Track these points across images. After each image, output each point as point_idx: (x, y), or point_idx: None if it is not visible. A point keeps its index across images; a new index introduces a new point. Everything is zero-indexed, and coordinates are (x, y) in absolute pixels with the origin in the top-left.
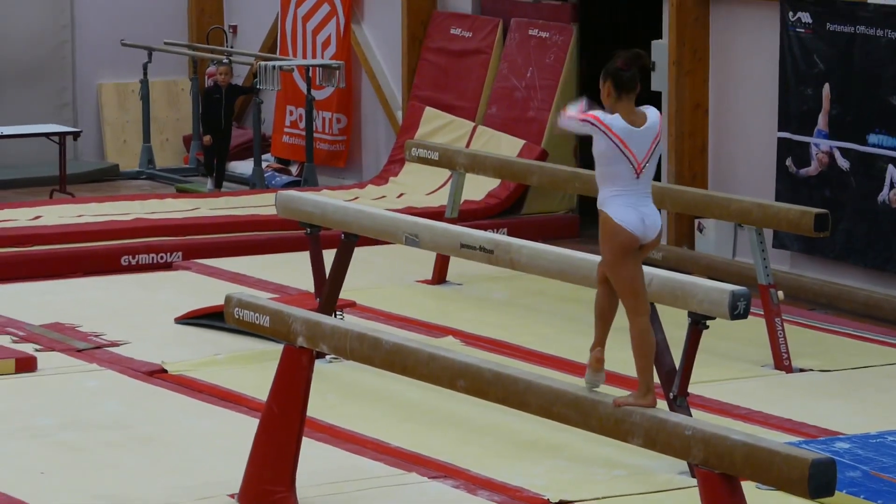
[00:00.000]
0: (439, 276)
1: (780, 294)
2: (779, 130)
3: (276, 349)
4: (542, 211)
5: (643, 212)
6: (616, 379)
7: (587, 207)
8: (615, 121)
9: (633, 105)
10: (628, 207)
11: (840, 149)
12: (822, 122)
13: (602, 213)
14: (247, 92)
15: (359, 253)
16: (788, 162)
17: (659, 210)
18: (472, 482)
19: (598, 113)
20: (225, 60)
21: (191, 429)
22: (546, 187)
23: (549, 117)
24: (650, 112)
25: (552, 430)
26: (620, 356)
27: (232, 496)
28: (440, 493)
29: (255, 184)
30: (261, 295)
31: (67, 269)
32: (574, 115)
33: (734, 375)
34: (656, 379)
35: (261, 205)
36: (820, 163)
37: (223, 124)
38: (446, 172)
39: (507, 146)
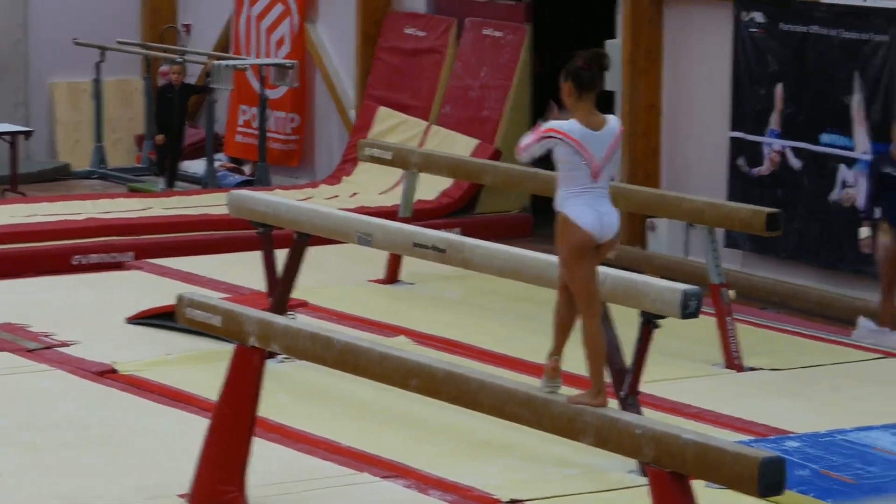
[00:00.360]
0: (392, 276)
1: (732, 293)
2: (731, 130)
3: (228, 349)
4: (496, 210)
5: (600, 211)
6: (570, 379)
7: (541, 207)
8: (572, 126)
9: (593, 105)
10: (585, 207)
11: (792, 148)
12: (774, 121)
13: (559, 213)
14: (200, 91)
15: (311, 252)
16: (741, 161)
17: None
18: (424, 482)
19: (553, 124)
20: (178, 60)
21: (142, 429)
22: (500, 187)
23: (502, 117)
24: (611, 119)
25: (505, 430)
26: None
27: (182, 496)
28: (392, 492)
29: (207, 183)
30: (213, 295)
31: (18, 268)
32: (530, 141)
33: (685, 374)
34: (608, 379)
35: (213, 204)
36: (772, 162)
37: (176, 123)
38: (400, 172)
39: (460, 146)
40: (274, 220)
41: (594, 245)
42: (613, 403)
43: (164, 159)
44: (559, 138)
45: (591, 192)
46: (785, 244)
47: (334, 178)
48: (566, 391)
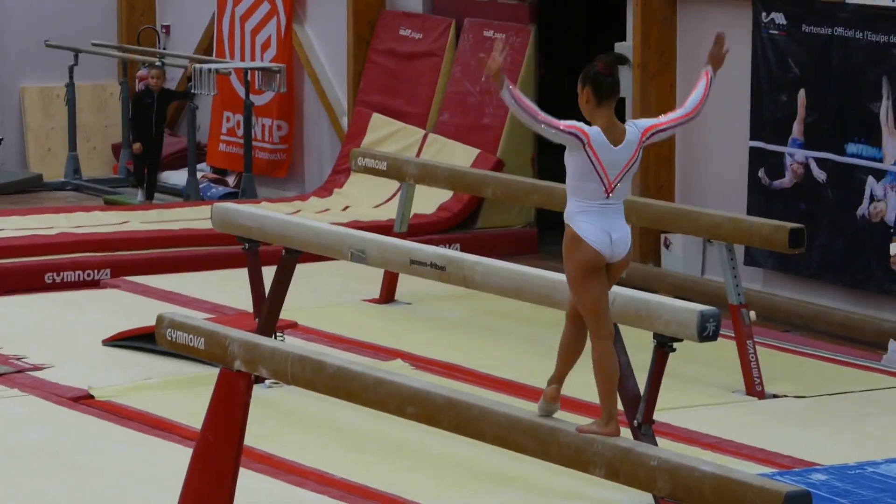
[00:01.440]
0: (387, 295)
1: (753, 314)
2: (751, 139)
3: (212, 373)
4: (498, 225)
5: (611, 229)
6: (579, 406)
7: (546, 221)
8: (596, 135)
9: (612, 113)
10: (595, 224)
11: (816, 159)
12: (797, 130)
13: (568, 228)
14: (181, 97)
15: (301, 270)
16: (761, 173)
17: None
18: None
19: (580, 124)
20: (158, 63)
21: (120, 458)
22: (502, 200)
23: (504, 125)
24: (630, 129)
25: (508, 460)
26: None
27: None
28: None
29: (189, 195)
30: (195, 315)
31: None
32: (547, 118)
33: (703, 402)
34: (620, 406)
35: (195, 218)
36: (795, 174)
37: (154, 131)
38: (395, 184)
39: (460, 155)
40: (261, 235)
41: (604, 264)
42: (626, 433)
43: (141, 169)
44: (580, 139)
45: (604, 208)
46: (809, 262)
47: (325, 191)
48: (576, 419)
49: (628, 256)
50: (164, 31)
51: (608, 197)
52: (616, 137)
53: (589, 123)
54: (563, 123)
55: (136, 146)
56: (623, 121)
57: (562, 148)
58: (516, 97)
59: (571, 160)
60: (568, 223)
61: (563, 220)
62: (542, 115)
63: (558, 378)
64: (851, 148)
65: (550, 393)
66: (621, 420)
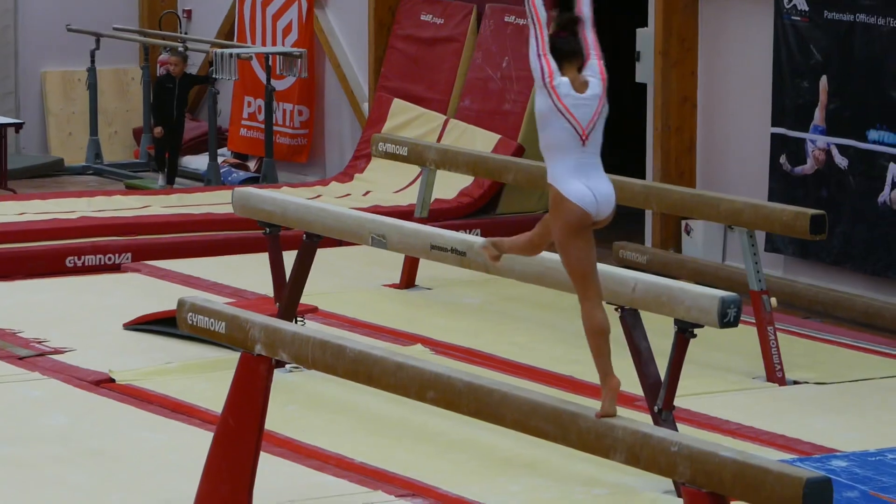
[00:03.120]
0: (408, 280)
1: (773, 301)
2: (772, 126)
3: (233, 357)
4: (519, 210)
5: (595, 187)
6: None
7: None
8: (563, 85)
9: (576, 72)
10: (579, 181)
11: (838, 146)
12: (818, 117)
13: (552, 189)
14: (202, 82)
15: (321, 255)
16: (782, 159)
17: (644, 210)
18: (443, 501)
19: (554, 67)
20: (180, 49)
21: (141, 442)
22: (522, 185)
23: (525, 111)
24: (593, 81)
25: (529, 446)
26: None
27: None
28: None
29: (210, 180)
30: (216, 299)
31: (8, 270)
32: (541, 35)
33: (723, 388)
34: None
35: (216, 202)
36: (816, 161)
37: (175, 116)
38: (416, 169)
39: (481, 141)
40: (281, 219)
41: (590, 223)
42: (647, 418)
43: (162, 154)
44: (548, 89)
45: (583, 161)
46: (830, 248)
47: (346, 176)
48: (596, 404)
49: (613, 212)
50: (185, 15)
51: (584, 146)
52: (580, 89)
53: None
54: (548, 56)
55: (158, 130)
56: (643, 112)
57: None
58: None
59: (539, 107)
60: (551, 183)
61: (547, 180)
62: (543, 34)
63: (503, 249)
64: (873, 135)
65: (492, 253)
66: (642, 406)
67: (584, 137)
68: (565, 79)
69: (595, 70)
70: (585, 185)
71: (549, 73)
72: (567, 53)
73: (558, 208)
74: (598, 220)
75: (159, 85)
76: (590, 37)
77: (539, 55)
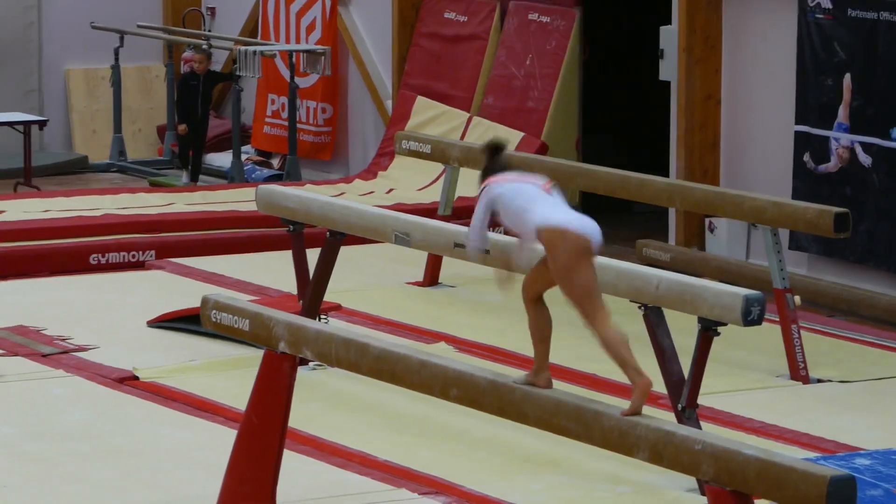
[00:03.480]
0: (431, 278)
1: (797, 299)
2: (796, 123)
3: (256, 355)
4: None
5: (580, 217)
6: (620, 389)
7: (591, 205)
8: (501, 176)
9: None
10: (565, 214)
11: (862, 143)
12: (842, 114)
13: (545, 232)
14: (226, 79)
15: (345, 252)
16: (806, 157)
17: (667, 208)
18: (466, 499)
19: (484, 203)
20: (204, 46)
21: (164, 440)
22: None
23: (549, 108)
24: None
25: (552, 444)
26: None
27: None
28: None
29: (233, 177)
30: (240, 297)
31: (32, 268)
32: (476, 221)
33: (747, 386)
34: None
35: (240, 200)
36: (840, 158)
37: (199, 113)
38: (439, 167)
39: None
40: (305, 217)
41: (589, 246)
42: (670, 417)
43: (186, 151)
44: (496, 189)
45: (556, 202)
46: (854, 246)
47: (369, 173)
48: (620, 403)
49: (600, 246)
50: (209, 13)
51: (549, 193)
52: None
53: None
54: (480, 212)
55: (182, 128)
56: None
57: (607, 127)
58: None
59: (505, 212)
60: (542, 227)
61: (536, 233)
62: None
63: (543, 364)
64: None
65: (544, 383)
66: (665, 404)
67: (546, 189)
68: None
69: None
70: (573, 215)
71: (487, 184)
72: (501, 170)
73: (559, 241)
74: (594, 247)
75: (183, 82)
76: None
77: (481, 225)
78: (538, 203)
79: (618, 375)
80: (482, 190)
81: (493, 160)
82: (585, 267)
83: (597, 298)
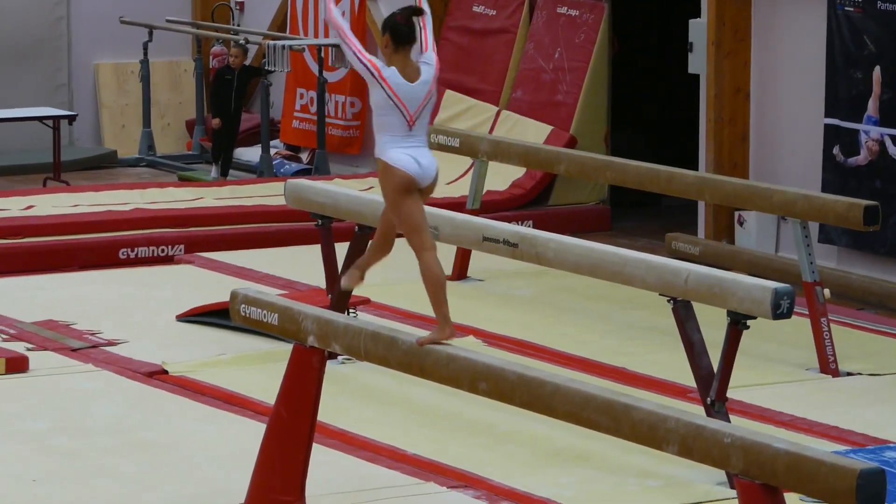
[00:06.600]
0: (460, 272)
1: (827, 292)
2: (826, 117)
3: (285, 349)
4: (571, 202)
5: (417, 156)
6: (654, 384)
7: (619, 198)
8: (392, 75)
9: (409, 57)
10: (402, 152)
11: (891, 136)
12: (872, 107)
13: (379, 161)
14: (261, 74)
15: None
16: (836, 150)
17: (697, 201)
18: (495, 493)
19: (378, 63)
20: (240, 41)
21: (193, 434)
22: (575, 176)
23: (578, 102)
24: (425, 69)
25: (581, 437)
26: (656, 358)
27: None
28: None
29: (262, 172)
30: (268, 291)
31: (62, 262)
32: (353, 41)
33: (776, 379)
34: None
35: (269, 194)
36: (870, 151)
37: (233, 108)
38: (468, 160)
39: (533, 132)
40: (333, 211)
41: (415, 187)
42: (699, 410)
43: (218, 145)
44: (378, 81)
45: (408, 140)
46: (883, 239)
47: None
48: (652, 397)
49: (436, 180)
50: (238, 7)
51: (411, 129)
52: (411, 76)
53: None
54: (366, 55)
55: (215, 122)
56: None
57: (635, 126)
58: (338, 23)
59: (373, 97)
60: (379, 156)
61: (375, 155)
62: (353, 42)
63: (363, 266)
64: None
65: (355, 276)
66: (695, 398)
67: (410, 123)
68: (392, 68)
69: (431, 59)
70: (407, 155)
71: (375, 68)
72: (404, 37)
73: (386, 176)
74: (422, 185)
75: (218, 77)
76: (429, 27)
77: (358, 57)
78: (392, 133)
79: (649, 369)
80: (374, 63)
81: (407, 23)
82: (410, 202)
83: (422, 233)
